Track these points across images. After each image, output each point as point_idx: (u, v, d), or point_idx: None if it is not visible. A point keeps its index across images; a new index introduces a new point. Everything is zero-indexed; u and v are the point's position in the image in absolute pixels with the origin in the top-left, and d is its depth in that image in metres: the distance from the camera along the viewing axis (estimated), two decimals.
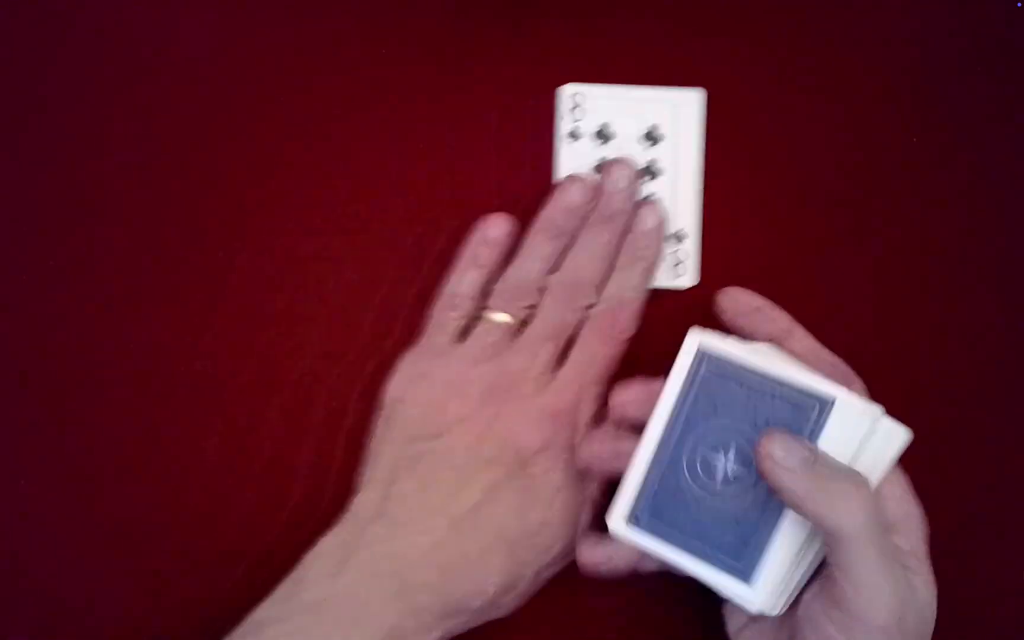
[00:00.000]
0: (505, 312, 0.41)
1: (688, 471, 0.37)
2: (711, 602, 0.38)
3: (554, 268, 0.42)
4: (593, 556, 0.39)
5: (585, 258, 0.42)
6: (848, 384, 0.37)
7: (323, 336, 0.44)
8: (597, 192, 0.42)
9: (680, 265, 0.44)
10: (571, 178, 0.42)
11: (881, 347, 0.44)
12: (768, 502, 0.35)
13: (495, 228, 0.42)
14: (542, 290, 0.42)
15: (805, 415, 0.35)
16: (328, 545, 0.39)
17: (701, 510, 0.36)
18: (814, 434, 0.35)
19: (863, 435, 0.35)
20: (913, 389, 0.44)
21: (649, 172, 0.43)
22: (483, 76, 0.44)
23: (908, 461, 0.44)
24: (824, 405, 0.35)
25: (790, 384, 0.36)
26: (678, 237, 0.43)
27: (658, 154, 0.43)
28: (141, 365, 0.43)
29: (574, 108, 0.43)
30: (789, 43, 0.44)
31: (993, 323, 0.44)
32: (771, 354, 0.38)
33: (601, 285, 0.42)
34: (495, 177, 0.44)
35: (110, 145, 0.44)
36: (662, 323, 0.43)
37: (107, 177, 0.44)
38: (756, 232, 0.44)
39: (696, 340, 0.38)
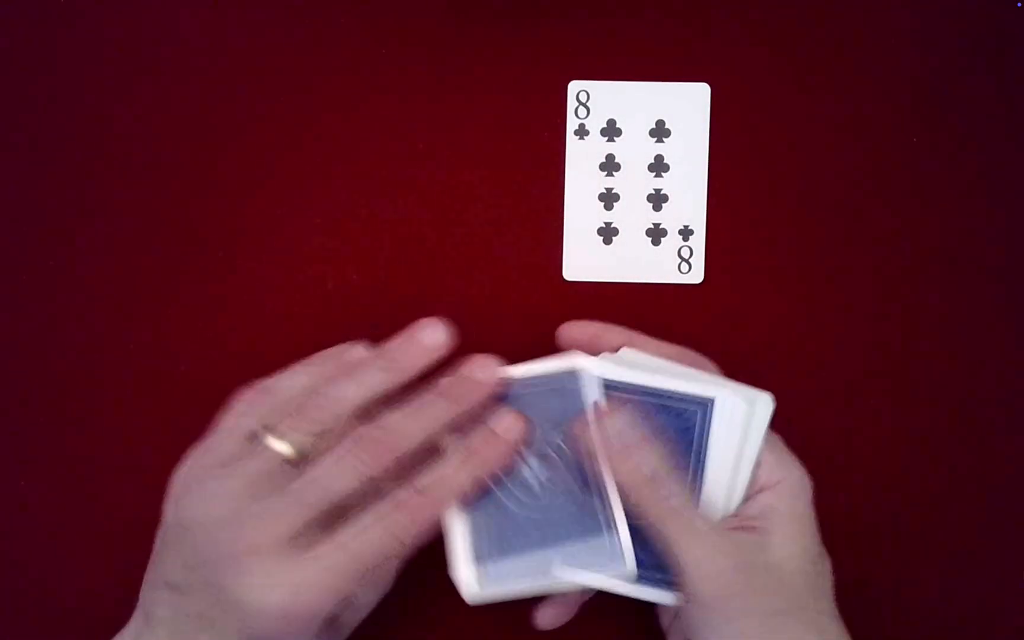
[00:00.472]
0: (289, 437, 0.35)
1: (506, 499, 0.37)
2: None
3: (366, 412, 0.36)
4: (545, 621, 0.39)
5: (407, 420, 0.35)
6: (701, 367, 0.39)
7: (323, 336, 0.43)
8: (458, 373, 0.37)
9: (685, 262, 0.43)
10: (429, 321, 0.37)
11: (881, 346, 0.44)
12: (586, 477, 0.36)
13: (354, 351, 0.39)
14: (340, 422, 0.35)
15: (575, 397, 0.37)
16: None
17: (540, 525, 0.36)
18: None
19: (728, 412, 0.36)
20: (913, 388, 0.44)
21: (657, 168, 0.44)
22: (484, 76, 0.44)
23: (908, 459, 0.44)
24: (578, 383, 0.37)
25: (557, 372, 0.37)
26: (685, 233, 0.43)
27: (665, 149, 0.44)
28: (141, 365, 0.43)
29: (579, 107, 0.44)
30: (790, 43, 0.44)
31: (993, 323, 0.44)
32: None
33: (411, 466, 0.35)
34: (497, 177, 0.44)
35: (110, 145, 0.44)
36: (666, 318, 0.43)
37: (107, 177, 0.44)
38: (756, 229, 0.44)
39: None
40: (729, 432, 0.36)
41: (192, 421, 0.43)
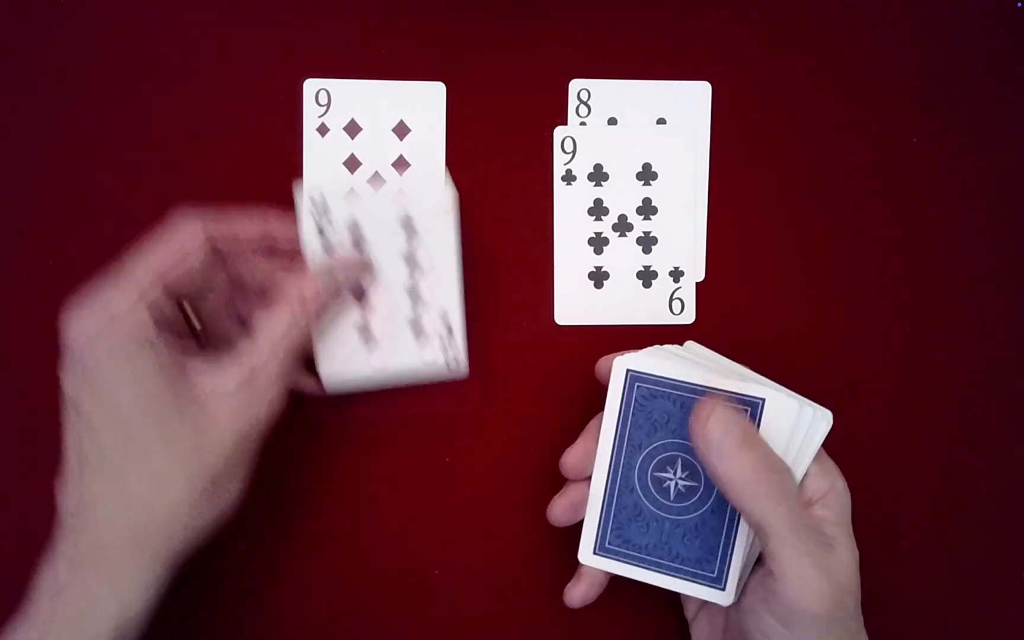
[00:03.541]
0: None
1: (641, 493, 0.38)
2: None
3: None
4: (574, 599, 0.39)
5: None
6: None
7: None
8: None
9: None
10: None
11: (881, 346, 0.44)
12: (723, 506, 0.37)
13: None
14: None
15: None
16: None
17: (661, 528, 0.38)
18: None
19: (790, 424, 0.36)
20: (913, 388, 0.44)
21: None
22: (485, 74, 0.44)
23: (907, 460, 0.44)
24: (753, 405, 0.36)
25: (717, 391, 0.37)
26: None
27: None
28: None
29: (580, 105, 0.44)
30: (791, 42, 0.44)
31: (993, 323, 0.44)
32: (693, 353, 0.40)
33: None
34: (498, 176, 0.44)
35: (109, 146, 0.44)
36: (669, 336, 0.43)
37: (106, 178, 0.44)
38: (757, 226, 0.44)
39: (622, 365, 0.38)
40: (783, 440, 0.36)
41: None
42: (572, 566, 0.39)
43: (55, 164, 0.44)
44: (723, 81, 0.44)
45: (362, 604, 0.43)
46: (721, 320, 0.43)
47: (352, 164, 0.44)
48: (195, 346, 0.39)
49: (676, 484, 0.37)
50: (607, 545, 0.38)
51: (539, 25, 0.44)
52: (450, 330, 0.40)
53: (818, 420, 0.37)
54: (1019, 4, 0.45)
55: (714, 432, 0.34)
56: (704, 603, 0.40)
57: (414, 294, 0.40)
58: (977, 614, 0.43)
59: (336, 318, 0.40)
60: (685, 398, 0.37)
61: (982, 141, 0.45)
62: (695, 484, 0.37)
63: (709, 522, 0.37)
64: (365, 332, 0.40)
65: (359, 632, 0.42)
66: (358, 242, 0.40)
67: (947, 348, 0.44)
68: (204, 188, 0.44)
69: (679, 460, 0.37)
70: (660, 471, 0.38)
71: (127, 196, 0.44)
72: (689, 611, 0.41)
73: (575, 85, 0.44)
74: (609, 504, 0.38)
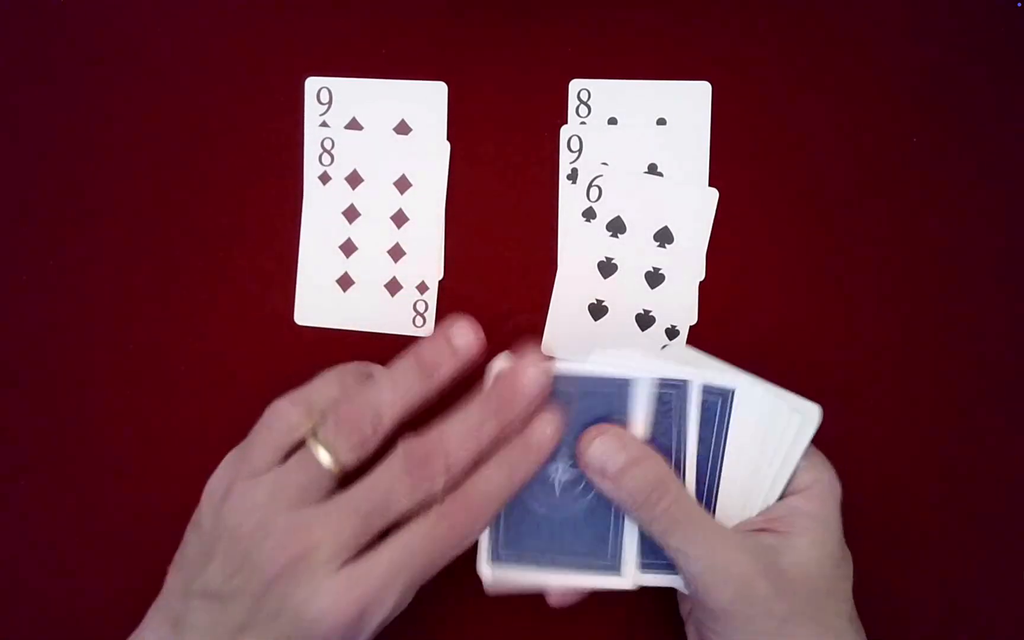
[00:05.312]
0: (331, 448, 0.35)
1: (527, 496, 0.37)
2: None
3: (409, 423, 0.36)
4: (555, 601, 0.38)
5: (456, 433, 0.36)
6: None
7: (320, 337, 0.44)
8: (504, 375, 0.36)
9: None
10: (459, 323, 0.37)
11: (880, 345, 0.44)
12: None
13: (375, 368, 0.39)
14: (380, 431, 0.36)
15: (621, 403, 0.37)
16: None
17: (551, 525, 0.37)
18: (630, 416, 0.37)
19: (764, 419, 0.36)
20: (913, 387, 0.44)
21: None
22: (484, 74, 0.44)
23: (907, 459, 0.44)
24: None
25: (606, 377, 0.37)
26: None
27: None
28: (140, 365, 0.43)
29: (580, 105, 0.44)
30: (791, 41, 0.45)
31: (993, 323, 0.44)
32: (669, 354, 0.40)
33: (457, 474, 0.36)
34: (498, 176, 0.44)
35: (109, 145, 0.44)
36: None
37: (107, 177, 0.44)
38: (757, 227, 0.44)
39: (498, 365, 0.37)
40: (756, 434, 0.36)
41: (192, 421, 0.43)
42: None
43: (55, 164, 0.44)
44: (723, 81, 0.44)
45: None
46: (721, 320, 0.43)
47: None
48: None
49: (560, 477, 0.37)
50: (501, 556, 0.37)
51: (539, 25, 0.44)
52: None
53: (804, 417, 0.36)
54: (1019, 4, 0.45)
55: (595, 454, 0.36)
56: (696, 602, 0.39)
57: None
58: (977, 614, 0.43)
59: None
60: (569, 388, 0.37)
61: (982, 141, 0.45)
62: (578, 473, 0.37)
63: (597, 509, 0.37)
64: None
65: None
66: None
67: (947, 347, 0.44)
68: (205, 187, 0.44)
69: (564, 452, 0.37)
70: (543, 470, 0.37)
71: (127, 196, 0.44)
72: (684, 609, 0.41)
73: (575, 85, 0.44)
74: (499, 519, 0.37)
